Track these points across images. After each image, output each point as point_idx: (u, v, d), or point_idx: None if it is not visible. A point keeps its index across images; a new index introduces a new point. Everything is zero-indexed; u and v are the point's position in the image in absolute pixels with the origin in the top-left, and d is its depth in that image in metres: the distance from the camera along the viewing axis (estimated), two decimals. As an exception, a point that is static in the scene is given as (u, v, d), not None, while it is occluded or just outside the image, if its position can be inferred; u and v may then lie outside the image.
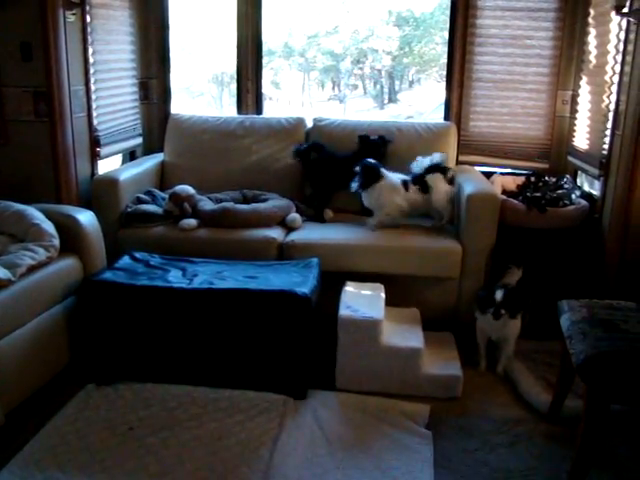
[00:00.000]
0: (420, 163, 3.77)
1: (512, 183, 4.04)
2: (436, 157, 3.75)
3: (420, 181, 3.70)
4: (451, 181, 3.73)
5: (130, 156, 4.43)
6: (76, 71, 3.58)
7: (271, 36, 7.93)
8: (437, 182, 3.68)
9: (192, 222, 3.64)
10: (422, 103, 8.64)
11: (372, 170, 3.69)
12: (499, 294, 3.01)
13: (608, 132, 3.46)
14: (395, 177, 3.74)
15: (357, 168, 3.69)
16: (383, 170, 3.73)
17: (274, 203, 3.81)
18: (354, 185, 3.70)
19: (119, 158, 4.41)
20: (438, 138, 4.11)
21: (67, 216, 3.16)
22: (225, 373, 2.97)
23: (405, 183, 3.71)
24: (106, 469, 2.39)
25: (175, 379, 2.97)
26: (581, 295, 2.70)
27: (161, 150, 4.40)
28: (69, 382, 2.98)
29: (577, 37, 4.03)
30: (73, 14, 3.50)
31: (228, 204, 3.76)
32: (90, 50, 3.71)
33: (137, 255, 3.34)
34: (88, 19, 3.66)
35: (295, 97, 9.01)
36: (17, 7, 3.33)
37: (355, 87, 9.29)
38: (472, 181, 3.74)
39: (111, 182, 3.69)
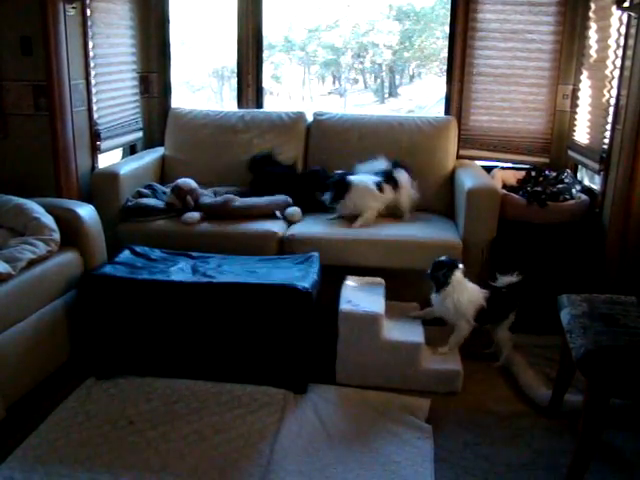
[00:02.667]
0: (371, 164, 3.84)
1: (512, 177, 4.04)
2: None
3: (390, 178, 3.75)
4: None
5: (130, 150, 4.43)
6: (76, 65, 3.57)
7: (271, 30, 7.91)
8: (402, 176, 3.78)
9: (195, 215, 3.64)
10: (423, 97, 8.63)
11: (340, 184, 3.67)
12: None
13: (609, 126, 3.45)
14: (367, 180, 3.72)
15: (329, 182, 3.72)
16: (351, 178, 3.70)
17: (271, 198, 3.82)
18: (326, 198, 3.71)
19: (119, 152, 4.42)
20: (439, 132, 4.10)
21: (67, 210, 3.15)
22: (226, 367, 2.97)
23: (379, 185, 3.71)
24: (106, 463, 2.40)
25: (175, 373, 2.98)
26: (581, 289, 2.70)
27: (161, 144, 4.40)
28: (69, 376, 2.98)
29: (578, 31, 4.02)
30: (73, 8, 3.50)
31: (230, 195, 3.77)
32: (90, 44, 3.70)
33: (137, 249, 3.33)
34: (88, 13, 3.66)
35: (295, 91, 9.00)
36: (17, 1, 3.32)
37: (356, 81, 9.28)
38: (472, 175, 3.75)
39: (111, 176, 3.69)
